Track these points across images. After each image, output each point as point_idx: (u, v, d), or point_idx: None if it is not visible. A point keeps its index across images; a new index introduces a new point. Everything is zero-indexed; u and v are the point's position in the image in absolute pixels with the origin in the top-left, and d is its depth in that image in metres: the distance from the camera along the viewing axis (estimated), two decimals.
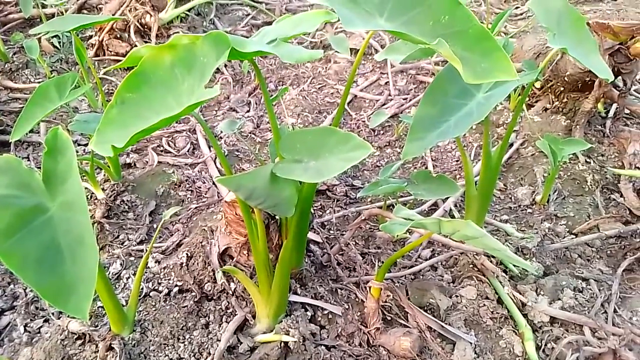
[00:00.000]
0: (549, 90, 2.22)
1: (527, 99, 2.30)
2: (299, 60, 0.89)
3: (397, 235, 1.67)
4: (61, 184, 0.87)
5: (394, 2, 0.95)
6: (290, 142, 0.99)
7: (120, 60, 2.54)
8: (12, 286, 1.48)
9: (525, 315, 1.44)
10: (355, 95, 2.49)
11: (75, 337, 1.28)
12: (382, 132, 2.29)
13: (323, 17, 0.98)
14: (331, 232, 1.73)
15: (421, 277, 1.58)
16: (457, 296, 1.49)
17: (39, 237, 0.84)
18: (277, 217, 1.35)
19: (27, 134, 1.50)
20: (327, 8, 0.99)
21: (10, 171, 0.89)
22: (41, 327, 1.38)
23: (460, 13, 0.94)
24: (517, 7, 3.23)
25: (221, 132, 2.08)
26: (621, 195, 1.87)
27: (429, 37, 0.94)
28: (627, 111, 2.18)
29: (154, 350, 1.26)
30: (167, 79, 0.96)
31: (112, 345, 1.24)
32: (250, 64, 1.07)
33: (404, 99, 2.44)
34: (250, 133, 2.23)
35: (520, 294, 1.48)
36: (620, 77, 2.02)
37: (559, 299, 1.47)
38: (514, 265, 1.58)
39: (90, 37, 2.65)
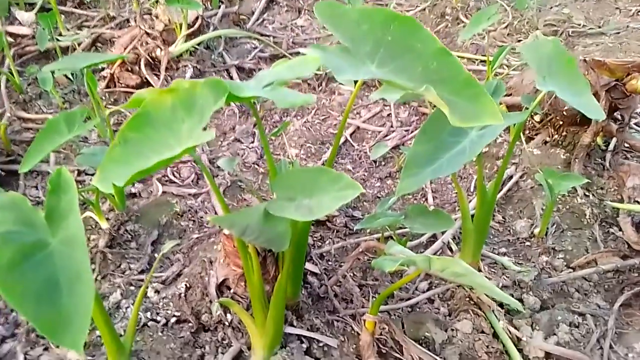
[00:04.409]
0: (549, 124, 2.25)
1: (527, 132, 2.33)
2: (292, 105, 0.93)
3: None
4: (63, 220, 0.91)
5: (385, 49, 1.00)
6: (284, 181, 1.03)
7: (130, 93, 2.62)
8: (14, 314, 1.51)
9: (520, 351, 1.44)
10: (358, 127, 2.54)
11: None
12: (383, 163, 2.33)
13: (318, 63, 1.03)
14: (330, 263, 1.75)
15: (418, 309, 1.59)
16: (452, 330, 1.50)
17: (39, 272, 0.87)
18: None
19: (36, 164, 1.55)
20: None
21: (14, 208, 0.93)
22: (41, 355, 1.41)
23: (448, 60, 0.98)
24: (519, 40, 3.28)
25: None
26: (620, 229, 1.88)
27: (418, 82, 0.98)
28: (626, 145, 2.20)
29: None
30: (168, 120, 1.01)
31: None
32: (250, 104, 1.12)
33: (405, 131, 2.48)
34: (253, 164, 2.28)
35: (515, 328, 1.49)
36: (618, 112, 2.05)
37: (555, 334, 1.48)
38: None
39: (103, 69, 2.73)
